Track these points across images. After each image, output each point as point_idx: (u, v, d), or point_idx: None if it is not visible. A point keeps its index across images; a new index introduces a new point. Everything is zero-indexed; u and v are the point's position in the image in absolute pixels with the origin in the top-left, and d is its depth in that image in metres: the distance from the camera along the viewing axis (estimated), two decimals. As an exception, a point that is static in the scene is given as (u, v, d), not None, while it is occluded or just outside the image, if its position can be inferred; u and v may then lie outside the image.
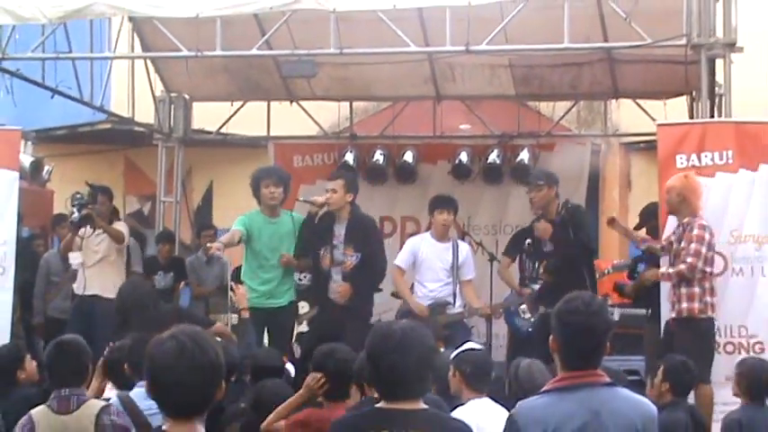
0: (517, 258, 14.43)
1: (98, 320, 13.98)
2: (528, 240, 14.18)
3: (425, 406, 5.90)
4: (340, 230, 13.48)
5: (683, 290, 11.77)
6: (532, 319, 13.62)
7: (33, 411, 7.74)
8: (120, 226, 15.01)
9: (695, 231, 11.78)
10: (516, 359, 9.06)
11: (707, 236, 11.79)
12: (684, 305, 11.74)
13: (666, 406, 9.56)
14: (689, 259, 11.63)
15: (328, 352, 8.80)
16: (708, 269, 11.74)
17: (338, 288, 13.26)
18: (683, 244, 11.84)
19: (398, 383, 5.80)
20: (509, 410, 6.07)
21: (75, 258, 14.67)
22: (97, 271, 14.55)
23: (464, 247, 14.08)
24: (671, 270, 11.85)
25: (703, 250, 11.71)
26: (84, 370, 7.73)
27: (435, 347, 6.25)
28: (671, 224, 12.41)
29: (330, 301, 13.44)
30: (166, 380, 5.14)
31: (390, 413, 5.79)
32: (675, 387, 9.79)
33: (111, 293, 13.53)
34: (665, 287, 12.25)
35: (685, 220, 11.98)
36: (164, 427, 5.18)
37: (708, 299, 11.74)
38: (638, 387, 9.46)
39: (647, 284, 12.63)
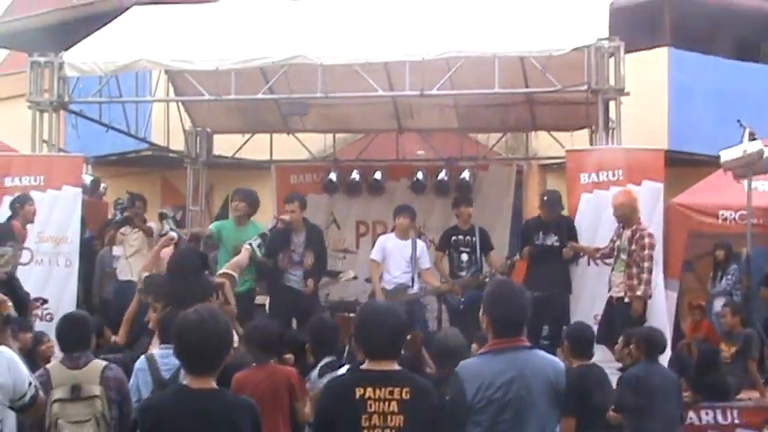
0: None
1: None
2: (453, 237, 14.33)
3: (399, 367, 5.94)
4: (299, 238, 13.63)
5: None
6: (462, 299, 13.64)
7: (48, 366, 7.73)
8: (151, 224, 14.97)
9: (646, 240, 11.89)
10: (437, 330, 9.10)
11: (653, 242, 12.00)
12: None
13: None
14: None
15: (254, 326, 8.92)
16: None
17: (307, 282, 13.50)
18: (633, 246, 11.90)
19: (379, 347, 5.85)
20: None
21: (117, 251, 14.67)
22: (134, 261, 14.51)
23: (420, 244, 14.05)
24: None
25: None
26: (89, 337, 7.69)
27: (407, 322, 6.24)
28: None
29: (286, 288, 13.54)
30: (189, 344, 5.24)
31: (372, 373, 5.79)
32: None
33: None
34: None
35: (633, 227, 12.03)
36: (185, 382, 5.25)
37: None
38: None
39: None
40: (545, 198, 13.71)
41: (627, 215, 12.15)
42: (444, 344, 8.89)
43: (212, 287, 10.43)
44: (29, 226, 13.11)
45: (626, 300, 11.89)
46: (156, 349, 8.48)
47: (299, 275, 13.59)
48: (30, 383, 5.12)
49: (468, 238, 14.31)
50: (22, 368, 5.12)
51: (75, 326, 7.73)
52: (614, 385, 9.70)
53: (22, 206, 12.97)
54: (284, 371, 8.36)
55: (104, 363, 7.36)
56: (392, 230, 14.41)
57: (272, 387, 8.02)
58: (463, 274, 14.13)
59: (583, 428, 8.84)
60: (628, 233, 12.07)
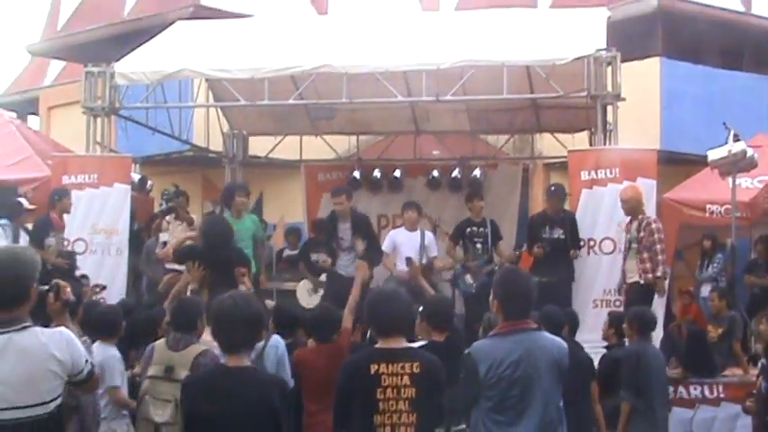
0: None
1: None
2: (468, 229, 14.17)
3: (408, 344, 5.96)
4: (345, 226, 13.47)
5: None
6: (474, 284, 13.56)
7: (156, 343, 7.68)
8: (193, 216, 14.98)
9: (653, 226, 11.86)
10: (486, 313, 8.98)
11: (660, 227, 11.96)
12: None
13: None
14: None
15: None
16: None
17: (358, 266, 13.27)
18: (642, 234, 11.85)
19: (388, 327, 5.89)
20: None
21: (162, 237, 14.66)
22: (177, 249, 14.48)
23: (429, 235, 14.01)
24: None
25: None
26: (195, 322, 7.43)
27: (412, 303, 6.35)
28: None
29: (336, 275, 13.37)
30: (225, 325, 5.25)
31: (384, 351, 5.84)
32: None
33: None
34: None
35: (640, 216, 12.00)
36: (223, 361, 5.26)
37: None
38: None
39: None
40: (552, 189, 13.70)
41: (634, 207, 12.11)
42: None
43: (247, 258, 10.39)
44: (65, 216, 13.14)
45: (641, 282, 11.84)
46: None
47: (348, 261, 13.43)
48: (86, 361, 5.11)
49: (481, 229, 14.23)
50: (80, 347, 5.11)
51: (184, 310, 7.59)
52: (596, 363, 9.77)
53: (60, 199, 13.03)
54: (341, 349, 8.35)
55: (202, 348, 7.13)
56: (401, 225, 14.38)
57: (330, 364, 7.95)
58: (477, 262, 14.07)
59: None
60: (635, 224, 12.04)
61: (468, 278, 13.88)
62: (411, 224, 13.94)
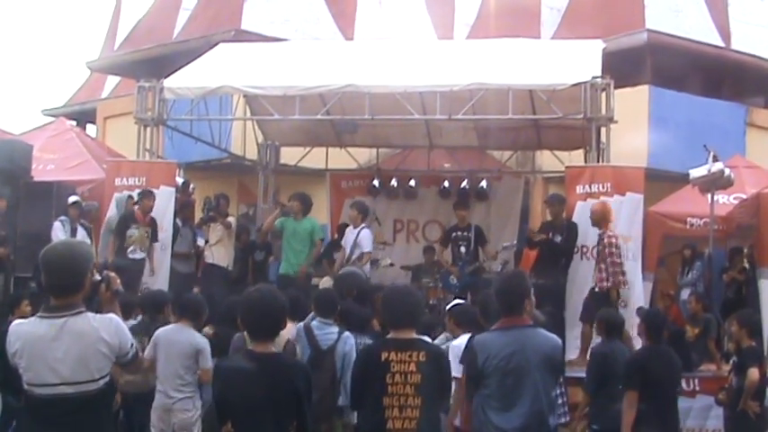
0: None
1: (216, 279, 14.20)
2: (453, 233, 14.56)
3: (418, 336, 5.98)
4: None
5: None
6: (457, 283, 13.71)
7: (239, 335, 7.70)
8: (231, 219, 15.01)
9: (605, 240, 11.87)
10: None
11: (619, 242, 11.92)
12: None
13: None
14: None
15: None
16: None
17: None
18: (599, 247, 11.96)
19: (399, 320, 5.93)
20: None
21: (199, 241, 14.71)
22: (216, 249, 14.57)
23: (364, 232, 13.90)
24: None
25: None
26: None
27: (422, 298, 6.40)
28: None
29: None
30: (252, 316, 5.25)
31: (394, 341, 5.89)
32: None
33: (223, 263, 14.53)
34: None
35: (601, 231, 12.02)
36: (250, 347, 5.26)
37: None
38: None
39: None
40: (550, 196, 14.03)
41: (598, 221, 12.13)
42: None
43: None
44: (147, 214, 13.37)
45: (596, 289, 11.88)
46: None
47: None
48: (131, 344, 5.15)
49: (465, 233, 14.45)
50: (126, 331, 5.15)
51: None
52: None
53: (142, 198, 13.26)
54: None
55: (287, 338, 7.12)
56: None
57: None
58: (460, 263, 14.27)
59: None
60: (596, 238, 12.11)
61: (453, 278, 14.02)
62: (352, 221, 14.10)
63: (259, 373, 5.12)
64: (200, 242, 14.70)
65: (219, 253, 14.61)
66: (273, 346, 5.38)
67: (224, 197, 15.17)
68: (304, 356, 7.83)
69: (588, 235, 12.66)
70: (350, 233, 13.96)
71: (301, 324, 8.20)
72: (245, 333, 5.56)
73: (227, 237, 14.76)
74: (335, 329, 8.07)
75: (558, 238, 12.91)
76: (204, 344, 8.53)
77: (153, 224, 13.36)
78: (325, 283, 13.84)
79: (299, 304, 8.57)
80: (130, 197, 13.54)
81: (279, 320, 5.32)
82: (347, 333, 8.16)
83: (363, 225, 13.93)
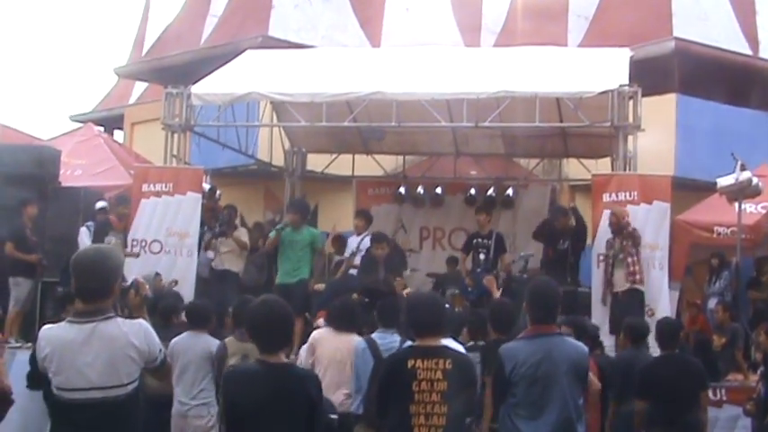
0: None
1: (228, 284, 13.99)
2: (475, 240, 14.47)
3: (443, 343, 5.97)
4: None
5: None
6: (473, 291, 13.48)
7: (226, 340, 7.73)
8: (242, 234, 14.61)
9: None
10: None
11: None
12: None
13: None
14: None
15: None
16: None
17: None
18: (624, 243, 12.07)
19: (424, 327, 5.91)
20: None
21: (209, 255, 14.49)
22: (227, 257, 14.24)
23: (366, 240, 13.89)
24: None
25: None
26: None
27: (445, 305, 6.34)
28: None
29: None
30: (259, 327, 5.20)
31: (420, 348, 5.88)
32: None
33: (236, 269, 14.25)
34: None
35: (623, 232, 12.13)
36: (261, 358, 5.19)
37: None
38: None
39: None
40: (554, 210, 14.60)
41: (614, 223, 12.23)
42: None
43: None
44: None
45: (633, 286, 11.98)
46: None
47: None
48: (160, 350, 5.16)
49: (485, 241, 14.37)
50: (155, 337, 5.15)
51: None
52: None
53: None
54: None
55: None
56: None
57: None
58: (478, 270, 14.13)
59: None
60: (618, 240, 12.17)
61: (469, 283, 13.99)
62: (357, 229, 14.17)
63: (273, 381, 5.05)
64: (210, 254, 14.53)
65: (231, 260, 14.43)
66: (284, 356, 5.34)
67: (233, 209, 14.91)
68: (366, 369, 7.65)
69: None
70: (353, 240, 13.97)
71: (364, 338, 8.09)
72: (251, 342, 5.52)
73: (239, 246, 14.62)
74: (397, 338, 8.01)
75: (565, 244, 13.00)
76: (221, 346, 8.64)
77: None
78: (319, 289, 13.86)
79: (354, 314, 8.59)
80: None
81: (287, 332, 5.27)
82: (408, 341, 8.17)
83: (366, 233, 13.90)
